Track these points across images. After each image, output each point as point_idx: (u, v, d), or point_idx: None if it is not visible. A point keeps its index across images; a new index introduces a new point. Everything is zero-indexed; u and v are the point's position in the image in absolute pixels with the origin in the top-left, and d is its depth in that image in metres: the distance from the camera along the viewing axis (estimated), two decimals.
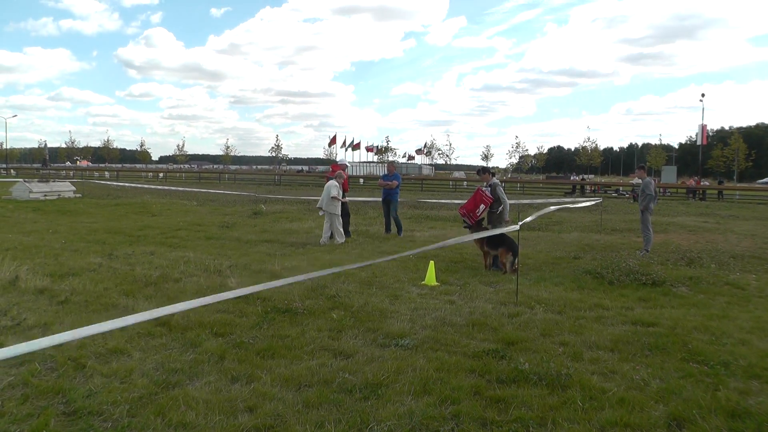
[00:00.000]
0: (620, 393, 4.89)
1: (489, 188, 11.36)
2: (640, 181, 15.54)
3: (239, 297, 7.87)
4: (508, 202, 11.38)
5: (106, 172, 73.10)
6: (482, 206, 11.89)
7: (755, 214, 27.39)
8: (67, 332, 3.28)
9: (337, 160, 18.64)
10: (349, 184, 15.98)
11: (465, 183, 60.54)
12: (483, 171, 12.08)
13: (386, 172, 16.24)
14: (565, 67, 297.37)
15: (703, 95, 66.10)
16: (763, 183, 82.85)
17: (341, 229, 14.26)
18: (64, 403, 4.57)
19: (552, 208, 15.47)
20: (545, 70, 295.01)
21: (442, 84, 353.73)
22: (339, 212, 14.23)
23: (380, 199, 16.20)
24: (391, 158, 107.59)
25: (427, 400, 4.67)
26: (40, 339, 3.23)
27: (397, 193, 15.74)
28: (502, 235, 10.46)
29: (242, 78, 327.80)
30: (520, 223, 9.06)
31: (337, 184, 14.34)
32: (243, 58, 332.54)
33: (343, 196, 14.65)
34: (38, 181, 29.16)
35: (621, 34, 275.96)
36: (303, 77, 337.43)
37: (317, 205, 14.76)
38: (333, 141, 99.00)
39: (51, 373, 5.18)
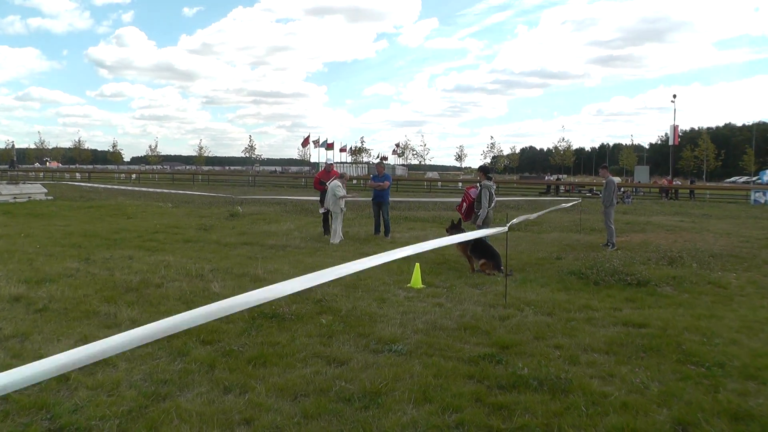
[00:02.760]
0: (622, 397, 4.83)
1: (479, 188, 11.33)
2: (619, 180, 15.74)
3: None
4: (488, 209, 11.25)
5: (77, 174, 71.77)
6: (464, 204, 11.89)
7: (727, 213, 27.82)
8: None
9: (326, 161, 18.62)
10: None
11: (440, 183, 60.61)
12: (479, 169, 12.17)
13: (376, 173, 16.14)
14: (536, 68, 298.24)
15: (674, 96, 67.23)
16: (730, 182, 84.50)
17: (340, 230, 14.46)
18: (49, 419, 4.34)
19: (544, 212, 15.71)
20: (516, 72, 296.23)
21: (414, 85, 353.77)
22: (342, 212, 14.52)
23: (369, 200, 16.18)
24: (366, 159, 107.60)
25: (428, 408, 4.54)
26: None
27: (388, 193, 15.66)
28: (484, 245, 10.43)
29: (214, 78, 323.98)
30: (509, 224, 8.98)
31: (340, 184, 14.61)
32: (215, 58, 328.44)
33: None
34: (7, 183, 28.44)
35: (591, 37, 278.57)
36: (275, 78, 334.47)
37: (324, 206, 15.02)
38: (306, 142, 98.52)
39: (32, 386, 4.93)
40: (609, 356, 5.96)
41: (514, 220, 10.65)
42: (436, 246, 6.65)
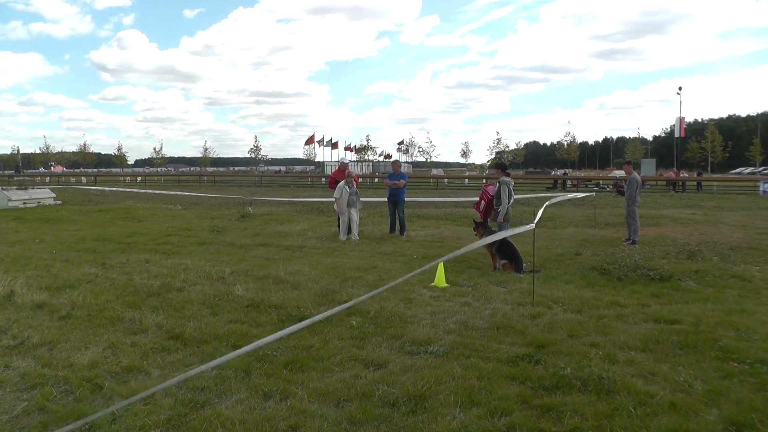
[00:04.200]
0: (668, 397, 4.72)
1: (498, 185, 11.28)
2: (623, 174, 15.71)
3: (250, 305, 7.67)
4: (507, 205, 11.26)
5: (83, 177, 71.68)
6: (483, 202, 11.83)
7: (738, 205, 27.61)
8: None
9: (340, 159, 18.62)
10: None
11: (446, 180, 60.40)
12: (496, 166, 12.11)
13: (392, 171, 16.06)
14: (537, 63, 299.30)
15: (680, 88, 66.87)
16: (736, 173, 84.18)
17: (345, 228, 14.72)
18: (88, 430, 4.25)
19: (556, 199, 15.69)
20: (518, 67, 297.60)
21: (416, 82, 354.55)
22: (343, 210, 14.67)
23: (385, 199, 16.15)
24: (371, 157, 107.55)
25: (476, 412, 4.43)
26: None
27: (404, 192, 15.59)
28: (510, 246, 10.38)
29: (216, 79, 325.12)
30: (536, 220, 8.90)
31: (342, 185, 14.68)
32: (217, 59, 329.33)
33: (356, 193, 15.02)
34: (17, 189, 28.38)
35: (591, 31, 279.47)
36: (278, 77, 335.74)
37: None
38: (311, 140, 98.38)
39: (67, 396, 4.85)
40: (646, 354, 5.85)
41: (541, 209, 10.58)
42: (476, 247, 6.58)
